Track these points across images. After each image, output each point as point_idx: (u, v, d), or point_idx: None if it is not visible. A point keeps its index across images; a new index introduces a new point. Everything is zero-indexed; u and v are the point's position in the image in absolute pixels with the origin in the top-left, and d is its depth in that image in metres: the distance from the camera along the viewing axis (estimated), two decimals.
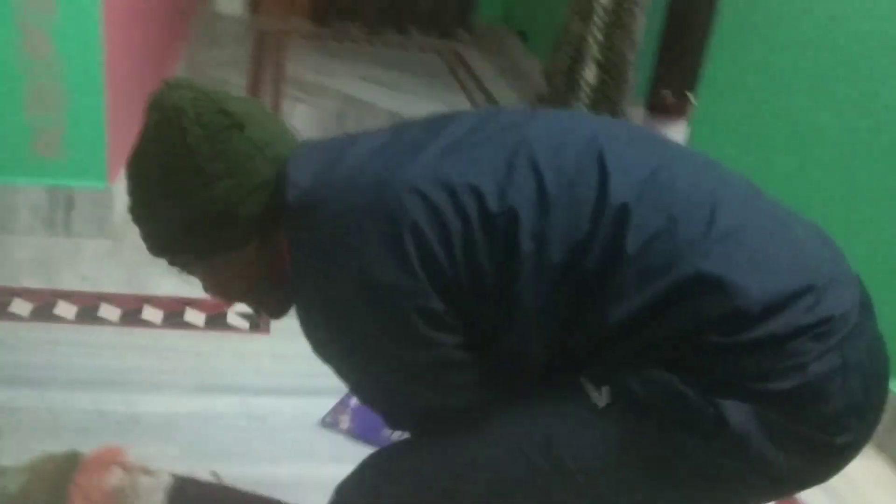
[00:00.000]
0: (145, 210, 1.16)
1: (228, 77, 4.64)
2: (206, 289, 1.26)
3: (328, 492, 1.52)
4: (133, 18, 2.89)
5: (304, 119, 4.15)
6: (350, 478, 1.30)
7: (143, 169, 1.13)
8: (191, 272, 1.24)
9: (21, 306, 2.32)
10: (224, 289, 1.25)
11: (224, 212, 1.10)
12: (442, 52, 5.95)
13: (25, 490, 1.59)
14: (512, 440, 1.11)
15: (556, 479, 1.08)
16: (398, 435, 1.98)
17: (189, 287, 2.51)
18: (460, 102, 4.76)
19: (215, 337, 2.32)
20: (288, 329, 2.34)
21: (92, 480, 1.62)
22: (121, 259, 2.62)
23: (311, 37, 5.86)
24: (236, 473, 1.83)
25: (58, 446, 1.82)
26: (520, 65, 5.44)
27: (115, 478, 1.64)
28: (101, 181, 2.63)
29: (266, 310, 1.30)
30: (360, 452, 1.92)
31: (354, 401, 2.07)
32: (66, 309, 2.34)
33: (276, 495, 1.77)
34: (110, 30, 2.49)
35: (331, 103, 4.46)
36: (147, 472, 1.71)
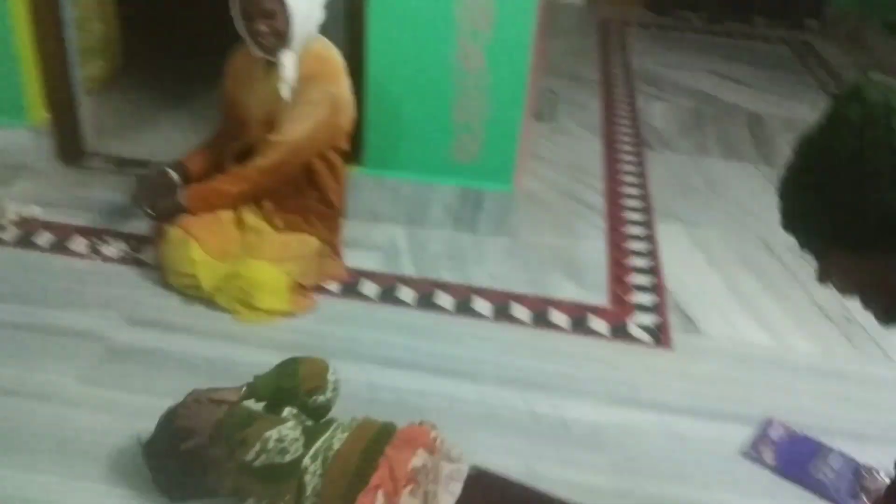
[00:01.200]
0: (823, 192, 1.11)
1: (576, 68, 4.73)
2: (820, 277, 1.24)
3: None
4: (540, 33, 3.03)
5: (663, 118, 4.13)
6: None
7: (830, 156, 1.11)
8: (819, 257, 1.21)
9: (444, 299, 2.56)
10: (849, 283, 1.23)
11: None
12: (790, 42, 5.62)
13: (344, 449, 1.68)
14: None
15: None
16: (827, 474, 1.94)
17: (586, 292, 2.66)
18: (820, 101, 4.47)
19: (620, 348, 2.40)
20: (691, 347, 2.41)
21: (400, 455, 1.66)
22: (521, 258, 2.79)
23: (650, 26, 5.80)
24: (664, 493, 1.89)
25: (496, 441, 2.00)
26: (885, 60, 4.98)
27: (419, 459, 1.67)
28: (508, 185, 2.81)
29: (875, 312, 1.24)
30: (787, 489, 1.93)
31: (775, 432, 2.06)
32: (481, 305, 2.54)
33: None
34: (534, 48, 2.64)
35: (686, 101, 4.39)
36: (450, 459, 1.74)
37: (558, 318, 2.51)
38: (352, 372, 2.06)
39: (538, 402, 2.15)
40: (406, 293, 2.57)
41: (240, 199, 2.52)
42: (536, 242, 2.85)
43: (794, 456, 2.00)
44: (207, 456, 1.70)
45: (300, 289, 2.47)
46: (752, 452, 2.02)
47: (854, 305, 2.63)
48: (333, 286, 2.57)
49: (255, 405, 1.83)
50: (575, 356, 2.34)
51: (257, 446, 1.61)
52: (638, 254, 2.90)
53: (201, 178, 2.57)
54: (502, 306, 2.54)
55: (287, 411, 1.81)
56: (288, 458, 1.63)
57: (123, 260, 2.64)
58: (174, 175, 2.56)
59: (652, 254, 2.90)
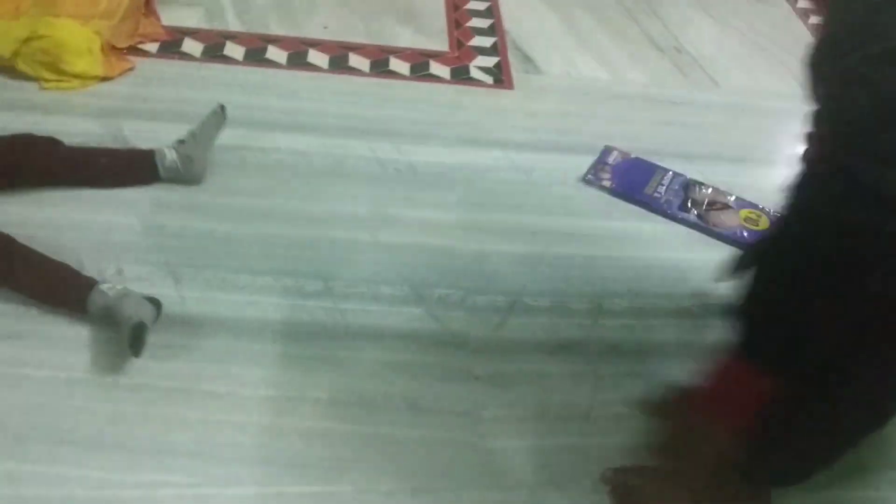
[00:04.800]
0: None
1: None
2: None
3: (595, 243, 1.61)
4: None
5: None
6: None
7: None
8: None
9: (276, 54, 2.40)
10: None
11: None
12: None
13: None
14: None
15: None
16: (659, 191, 2.06)
17: (425, 38, 2.56)
18: None
19: (461, 91, 2.37)
20: (531, 85, 2.41)
21: None
22: (355, 8, 2.63)
23: None
24: (509, 221, 1.95)
25: (345, 189, 1.97)
26: None
27: None
28: None
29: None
30: (623, 208, 2.04)
31: (613, 158, 2.13)
32: (316, 57, 2.41)
33: (548, 243, 1.90)
34: None
35: None
36: None
37: (398, 65, 2.42)
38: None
39: (384, 148, 2.11)
40: (234, 49, 2.39)
41: None
42: None
43: (630, 177, 2.10)
44: None
45: (113, 50, 2.23)
46: (591, 178, 2.10)
47: (685, 37, 2.73)
48: (150, 46, 2.35)
49: None
50: (418, 102, 2.29)
51: None
52: None
53: None
54: (339, 57, 2.42)
55: None
56: None
57: None
58: None
59: None
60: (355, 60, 2.41)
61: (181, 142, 1.90)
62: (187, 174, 1.90)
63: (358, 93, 2.29)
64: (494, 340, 1.67)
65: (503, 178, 2.08)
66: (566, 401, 1.58)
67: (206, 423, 1.46)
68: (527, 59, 2.54)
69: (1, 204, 1.78)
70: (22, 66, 2.12)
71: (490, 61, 2.49)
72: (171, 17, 2.46)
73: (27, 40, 2.09)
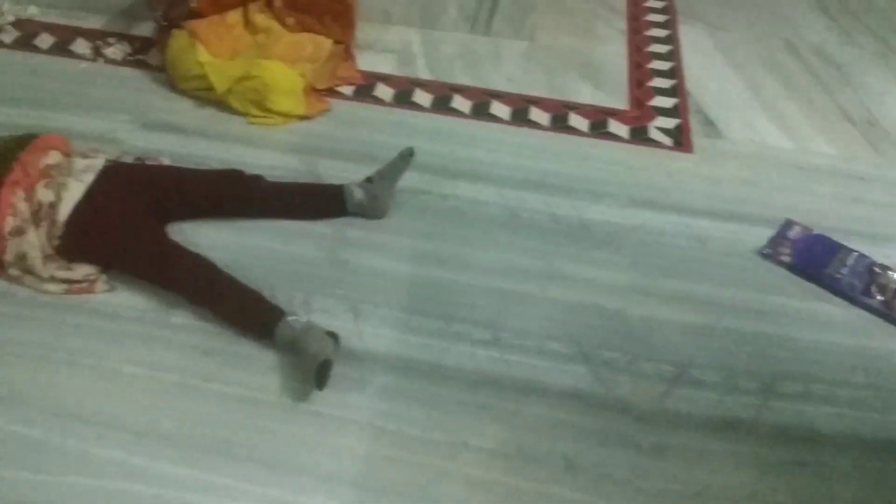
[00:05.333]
0: None
1: None
2: None
3: (770, 320, 1.56)
4: None
5: None
6: None
7: None
8: None
9: (461, 103, 2.50)
10: None
11: None
12: None
13: None
14: None
15: None
16: (841, 271, 1.98)
17: (606, 96, 2.59)
18: None
19: (640, 151, 2.37)
20: (711, 150, 2.38)
21: (32, 157, 1.82)
22: (539, 62, 2.69)
23: None
24: (682, 290, 1.93)
25: (517, 241, 2.02)
26: None
27: (52, 158, 1.84)
28: None
29: None
30: (802, 287, 1.97)
31: (793, 233, 2.07)
32: (499, 108, 2.49)
33: (720, 315, 1.86)
34: None
35: None
36: (85, 156, 1.92)
37: (578, 121, 2.46)
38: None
39: (558, 204, 2.15)
40: (422, 96, 2.51)
41: None
42: (555, 45, 2.75)
43: (810, 254, 2.03)
44: None
45: (314, 91, 2.40)
46: (770, 251, 2.05)
47: (879, 110, 2.61)
48: (347, 89, 2.51)
49: None
50: (595, 159, 2.32)
51: None
52: (659, 56, 2.80)
53: None
54: (520, 110, 2.48)
55: None
56: None
57: (128, 63, 2.55)
58: None
59: (673, 56, 2.81)
60: (536, 114, 2.47)
61: (369, 180, 2.02)
62: (372, 211, 2.02)
63: (536, 146, 2.35)
64: (659, 410, 1.66)
65: (677, 243, 2.06)
66: (728, 482, 1.54)
67: (372, 458, 1.53)
68: (708, 122, 2.51)
69: (208, 230, 1.95)
70: (233, 101, 2.32)
71: (670, 122, 2.49)
72: (367, 62, 2.62)
73: (241, 79, 2.29)
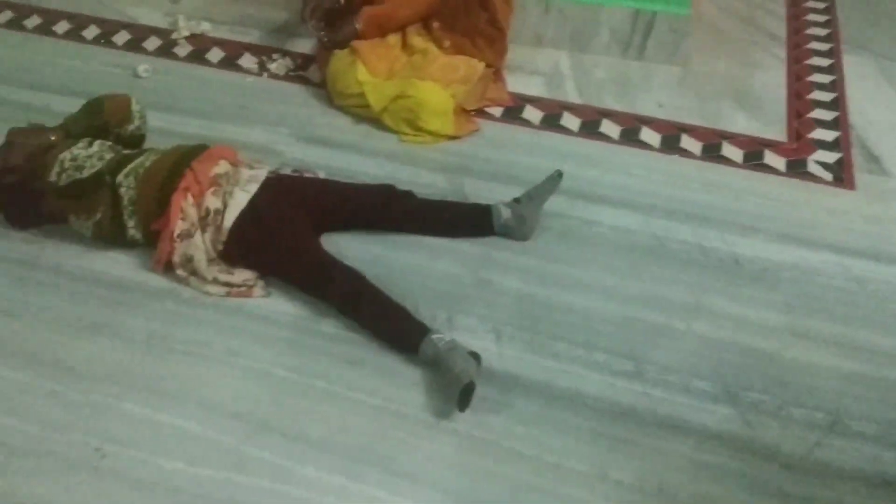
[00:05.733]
0: None
1: None
2: None
3: None
4: None
5: None
6: None
7: None
8: None
9: (610, 127, 2.48)
10: None
11: None
12: None
13: (154, 165, 1.92)
14: None
15: None
16: None
17: (763, 126, 2.51)
18: None
19: (797, 185, 2.28)
20: (875, 187, 2.26)
21: (203, 166, 1.92)
22: (693, 88, 2.64)
23: None
24: (842, 335, 1.84)
25: (664, 272, 1.98)
26: None
27: (221, 167, 1.94)
28: (684, 7, 2.62)
29: None
30: None
31: None
32: (649, 135, 2.45)
33: (879, 364, 1.76)
34: None
35: None
36: (250, 166, 2.02)
37: (731, 151, 2.39)
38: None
39: (708, 236, 2.09)
40: (570, 120, 2.51)
41: (412, 21, 2.48)
42: (710, 72, 2.68)
43: None
44: (31, 187, 1.95)
45: (463, 112, 2.44)
46: None
47: None
48: (496, 111, 2.54)
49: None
50: (748, 192, 2.24)
51: (56, 167, 1.92)
52: (821, 86, 2.69)
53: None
54: (671, 137, 2.44)
55: (98, 144, 1.99)
56: (86, 173, 1.91)
57: (289, 78, 2.68)
58: None
59: (836, 86, 2.68)
60: (687, 142, 2.42)
61: (517, 201, 2.04)
62: (518, 232, 2.03)
63: (686, 175, 2.30)
64: (809, 460, 1.58)
65: (834, 284, 1.97)
66: None
67: (510, 481, 1.54)
68: (873, 157, 2.38)
69: (358, 243, 2.02)
70: (387, 119, 2.40)
71: (831, 157, 2.38)
72: (516, 83, 2.64)
73: (395, 98, 2.36)
